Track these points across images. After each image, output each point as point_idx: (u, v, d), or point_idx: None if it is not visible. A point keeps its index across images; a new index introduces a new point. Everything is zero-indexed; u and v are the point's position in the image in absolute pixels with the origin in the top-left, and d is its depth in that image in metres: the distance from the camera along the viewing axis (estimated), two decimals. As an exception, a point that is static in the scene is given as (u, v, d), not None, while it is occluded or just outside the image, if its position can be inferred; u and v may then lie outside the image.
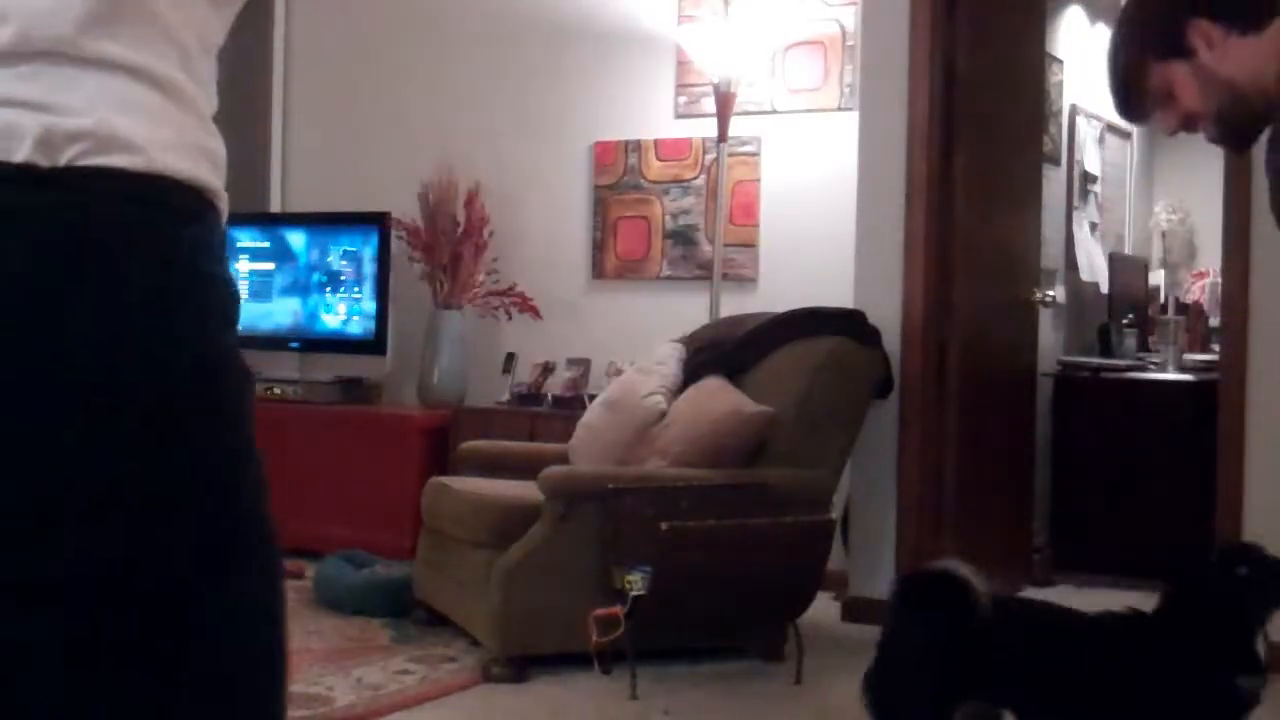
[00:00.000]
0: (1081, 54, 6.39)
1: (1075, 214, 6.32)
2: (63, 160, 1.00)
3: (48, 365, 0.99)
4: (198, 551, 1.03)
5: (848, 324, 4.42)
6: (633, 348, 5.14)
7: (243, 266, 5.88)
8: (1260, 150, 2.15)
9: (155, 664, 1.01)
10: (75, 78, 1.02)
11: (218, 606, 1.04)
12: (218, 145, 1.10)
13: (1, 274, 0.98)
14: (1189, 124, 2.09)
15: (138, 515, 1.00)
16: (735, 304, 5.11)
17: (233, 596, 1.05)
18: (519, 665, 3.76)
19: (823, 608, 4.32)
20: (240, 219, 5.70)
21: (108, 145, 1.01)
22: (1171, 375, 5.81)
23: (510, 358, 5.67)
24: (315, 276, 5.83)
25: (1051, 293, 5.49)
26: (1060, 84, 6.09)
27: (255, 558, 1.08)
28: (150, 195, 1.03)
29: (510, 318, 5.70)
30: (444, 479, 4.44)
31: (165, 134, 1.04)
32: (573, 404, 5.30)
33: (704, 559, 3.70)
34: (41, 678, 1.00)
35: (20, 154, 1.00)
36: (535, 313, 5.63)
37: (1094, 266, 6.50)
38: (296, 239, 5.89)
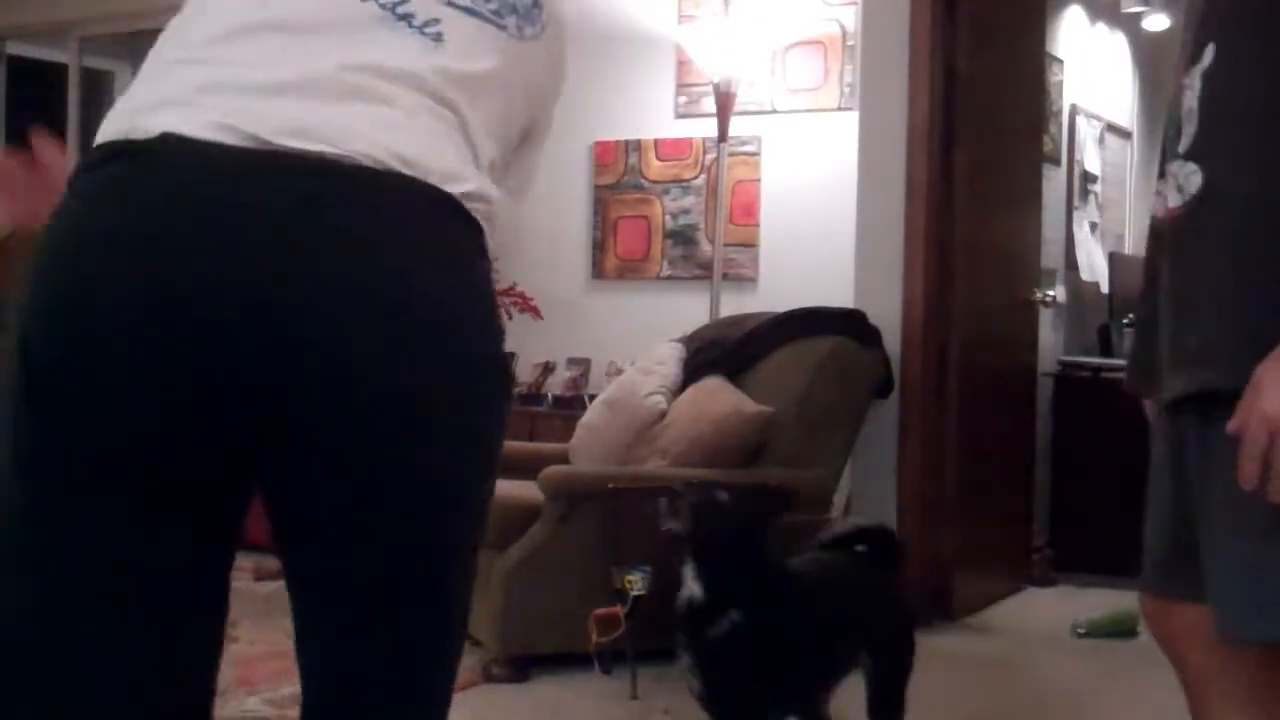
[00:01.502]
0: (1081, 54, 6.39)
1: (1075, 214, 6.32)
2: None
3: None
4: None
5: (848, 324, 4.42)
6: (633, 348, 5.14)
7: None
8: None
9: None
10: None
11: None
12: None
13: None
14: None
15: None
16: (735, 304, 5.12)
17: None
18: (519, 665, 3.76)
19: (823, 608, 4.32)
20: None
21: None
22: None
23: (510, 358, 5.67)
24: (315, 276, 5.83)
25: (1051, 292, 5.49)
26: (1060, 84, 6.09)
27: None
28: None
29: (510, 318, 5.70)
30: (444, 479, 4.43)
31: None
32: (573, 404, 5.30)
33: (704, 559, 3.69)
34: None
35: None
36: (535, 313, 5.63)
37: (1094, 266, 6.50)
38: (296, 239, 5.89)
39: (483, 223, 1.27)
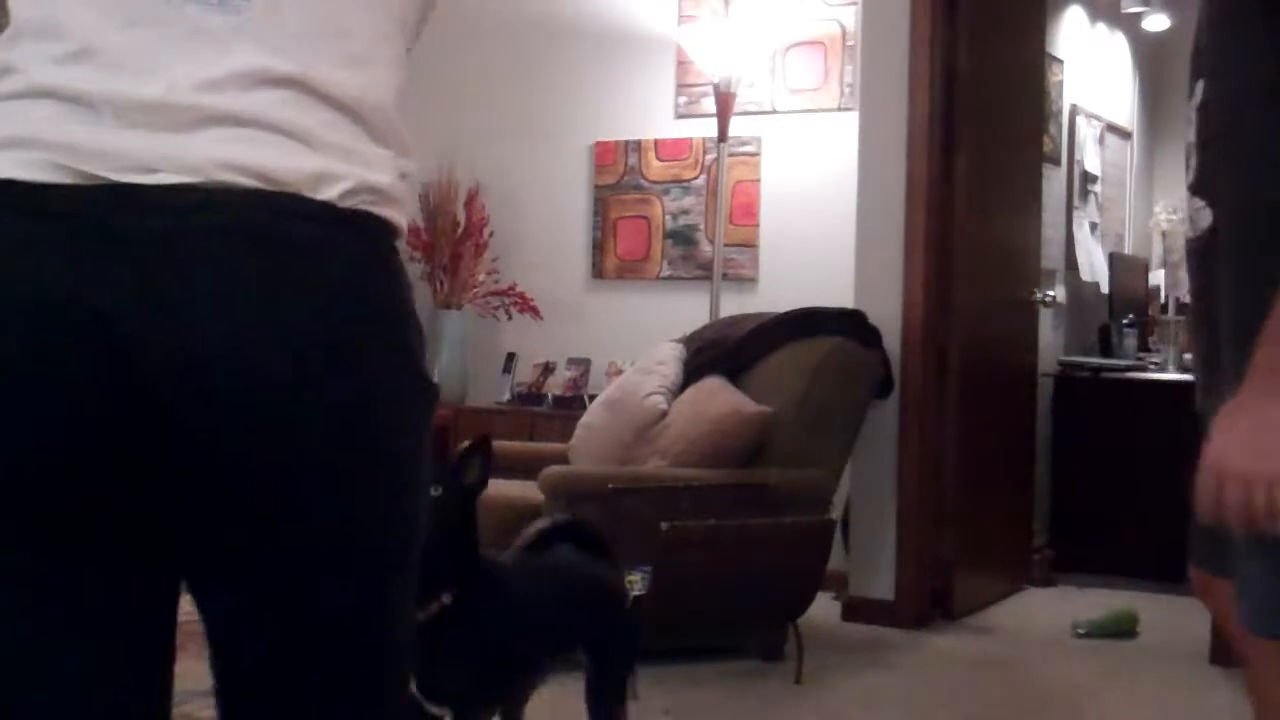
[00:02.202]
0: (1081, 54, 6.39)
1: (1075, 214, 6.32)
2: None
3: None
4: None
5: (848, 324, 4.42)
6: (633, 348, 5.14)
7: None
8: None
9: None
10: None
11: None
12: None
13: None
14: None
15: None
16: (735, 304, 5.12)
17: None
18: (519, 665, 3.76)
19: (823, 608, 4.32)
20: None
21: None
22: (1171, 375, 5.81)
23: (510, 358, 5.68)
24: (315, 276, 5.83)
25: (1051, 293, 5.49)
26: (1060, 84, 6.09)
27: None
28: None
29: (510, 318, 5.70)
30: (444, 479, 4.43)
31: None
32: (573, 404, 5.30)
33: (704, 559, 3.70)
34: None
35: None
36: (535, 313, 5.63)
37: (1094, 266, 6.50)
38: (296, 239, 5.88)
39: (376, 212, 1.15)
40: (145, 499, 1.11)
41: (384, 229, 1.16)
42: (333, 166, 1.12)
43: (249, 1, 1.12)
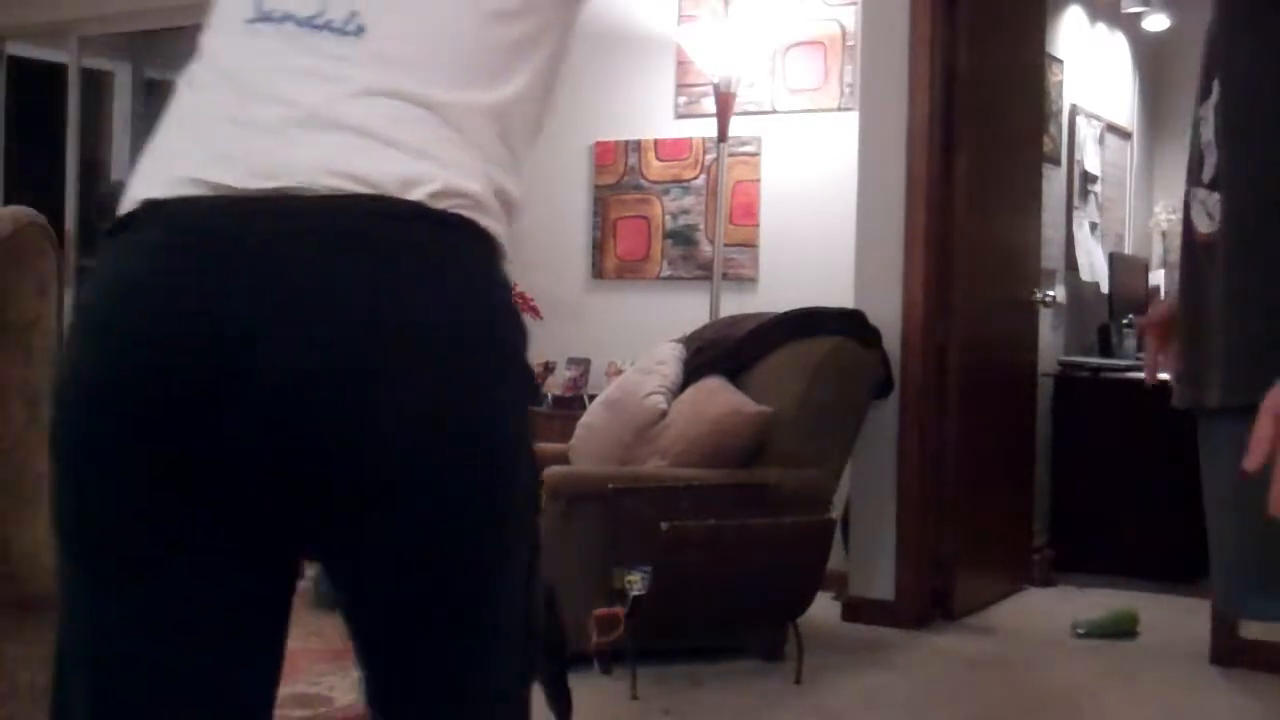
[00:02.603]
0: (1081, 54, 6.39)
1: (1075, 214, 6.32)
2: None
3: None
4: None
5: (848, 324, 4.42)
6: (633, 348, 5.14)
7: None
8: None
9: None
10: None
11: None
12: None
13: None
14: None
15: None
16: (735, 304, 5.12)
17: None
18: (519, 665, 3.76)
19: (823, 608, 4.32)
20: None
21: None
22: (1172, 375, 5.80)
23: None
24: (315, 276, 5.83)
25: (1051, 293, 5.49)
26: (1060, 84, 6.09)
27: None
28: None
29: (510, 318, 5.69)
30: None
31: None
32: (573, 404, 5.30)
33: (704, 559, 3.70)
34: None
35: None
36: (535, 313, 5.63)
37: (1094, 266, 6.50)
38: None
39: (470, 216, 1.22)
40: (278, 488, 1.19)
41: (480, 235, 1.24)
42: (419, 168, 1.21)
43: (358, 21, 1.26)
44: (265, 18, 1.27)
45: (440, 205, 1.20)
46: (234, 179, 1.19)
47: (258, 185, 1.18)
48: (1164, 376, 1.83)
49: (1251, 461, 1.37)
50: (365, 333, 1.16)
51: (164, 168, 1.24)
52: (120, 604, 1.23)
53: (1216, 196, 1.59)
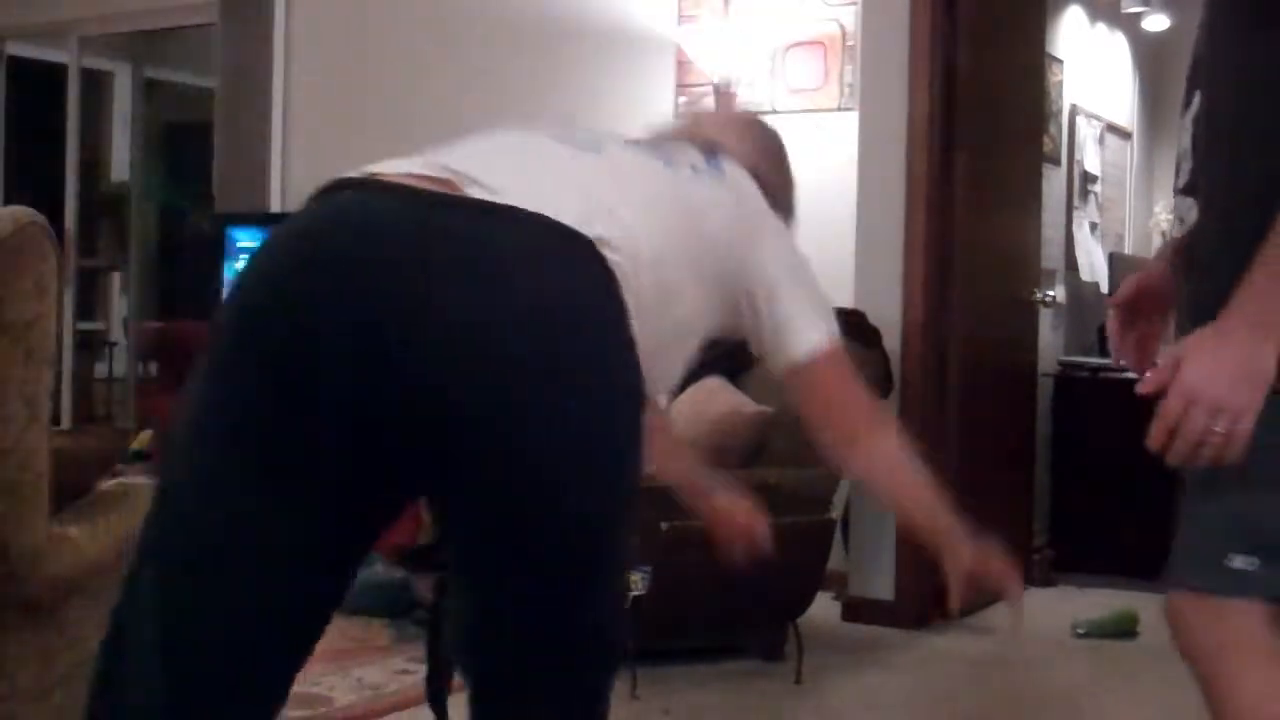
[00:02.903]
0: (1081, 54, 6.40)
1: (1075, 214, 6.32)
2: None
3: None
4: None
5: (848, 324, 4.40)
6: (633, 348, 5.13)
7: (242, 266, 5.87)
8: None
9: None
10: None
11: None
12: None
13: None
14: None
15: None
16: (735, 304, 5.11)
17: None
18: (519, 665, 3.76)
19: (823, 608, 4.32)
20: (240, 219, 5.69)
21: None
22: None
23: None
24: (315, 276, 5.82)
25: (1051, 293, 5.49)
26: (1060, 84, 6.09)
27: None
28: None
29: (510, 318, 5.69)
30: (444, 479, 4.43)
31: None
32: (573, 404, 5.30)
33: (704, 559, 3.69)
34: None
35: None
36: (535, 313, 5.63)
37: (1094, 266, 6.50)
38: (296, 239, 5.88)
39: (614, 268, 1.44)
40: (408, 431, 1.36)
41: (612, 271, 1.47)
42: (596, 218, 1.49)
43: (599, 148, 1.61)
44: None
45: (600, 248, 1.48)
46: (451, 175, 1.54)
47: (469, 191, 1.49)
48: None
49: (1144, 386, 1.44)
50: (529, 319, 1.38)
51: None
52: (243, 496, 1.37)
53: (1190, 201, 1.62)
